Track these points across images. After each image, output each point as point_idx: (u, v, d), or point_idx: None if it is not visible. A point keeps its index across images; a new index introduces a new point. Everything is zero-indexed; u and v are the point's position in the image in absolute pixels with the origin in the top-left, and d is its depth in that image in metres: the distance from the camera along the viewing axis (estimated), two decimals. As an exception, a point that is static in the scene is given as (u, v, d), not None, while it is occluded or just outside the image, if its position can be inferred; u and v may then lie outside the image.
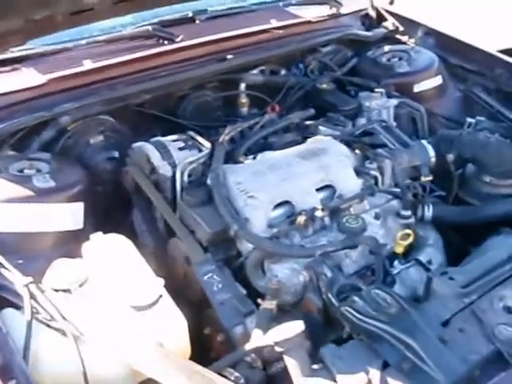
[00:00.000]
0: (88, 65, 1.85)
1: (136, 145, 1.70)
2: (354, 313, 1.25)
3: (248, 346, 1.24)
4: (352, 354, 1.19)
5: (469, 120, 2.01)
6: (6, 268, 1.30)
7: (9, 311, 1.23)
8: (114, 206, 1.76)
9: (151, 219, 1.67)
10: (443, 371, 1.13)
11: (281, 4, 2.36)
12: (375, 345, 1.19)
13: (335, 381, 1.14)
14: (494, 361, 1.18)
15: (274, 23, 2.21)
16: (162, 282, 1.28)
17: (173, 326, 1.23)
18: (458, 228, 1.75)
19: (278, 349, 1.18)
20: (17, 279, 1.28)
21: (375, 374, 1.13)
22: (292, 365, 1.18)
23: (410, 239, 1.53)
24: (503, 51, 2.25)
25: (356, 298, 1.30)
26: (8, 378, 1.03)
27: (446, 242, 1.67)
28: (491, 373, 1.15)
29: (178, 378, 1.10)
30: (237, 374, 1.18)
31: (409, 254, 1.59)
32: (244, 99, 2.07)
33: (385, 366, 1.16)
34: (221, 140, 1.69)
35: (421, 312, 1.25)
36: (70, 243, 1.48)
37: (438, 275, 1.37)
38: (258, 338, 1.23)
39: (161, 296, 1.26)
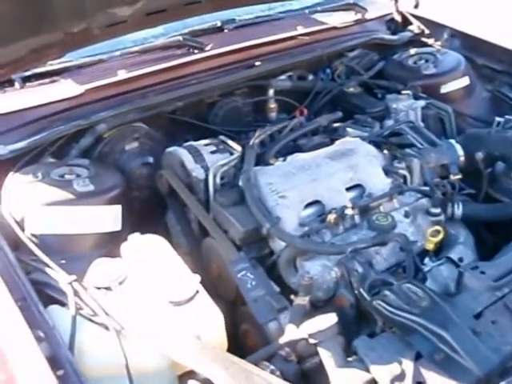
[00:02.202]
0: (122, 75, 1.92)
1: (169, 149, 1.76)
2: (386, 306, 1.27)
3: (283, 340, 1.28)
4: (385, 345, 1.21)
5: (497, 119, 2.01)
6: (50, 267, 1.37)
7: (54, 308, 1.29)
8: (148, 209, 1.82)
9: (185, 221, 1.72)
10: (476, 361, 1.14)
11: (307, 11, 2.41)
12: (408, 337, 1.22)
13: (369, 372, 1.17)
14: (526, 352, 1.19)
15: (301, 30, 2.26)
16: (198, 278, 1.33)
17: (210, 319, 1.27)
18: (489, 226, 1.77)
19: (312, 341, 1.21)
20: (61, 277, 1.34)
21: (408, 364, 1.16)
22: (326, 356, 1.21)
23: (441, 236, 1.55)
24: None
25: (387, 292, 1.32)
26: (57, 369, 1.08)
27: (477, 240, 1.69)
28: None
29: (215, 368, 1.14)
30: (272, 366, 1.22)
31: (440, 252, 1.61)
32: (273, 104, 2.12)
33: (417, 357, 1.18)
34: (251, 143, 1.73)
35: (453, 305, 1.27)
36: (108, 244, 1.54)
37: (469, 269, 1.39)
38: (293, 332, 1.27)
39: (198, 291, 1.30)
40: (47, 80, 1.94)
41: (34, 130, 1.73)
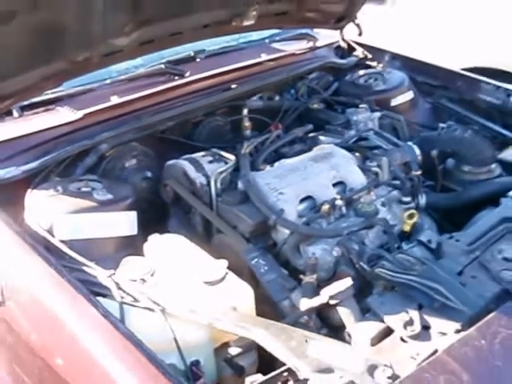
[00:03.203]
0: (115, 100, 2.10)
1: (170, 162, 1.95)
2: (387, 271, 1.52)
3: (304, 307, 1.49)
4: (392, 300, 1.45)
5: (441, 125, 2.34)
6: (88, 266, 1.51)
7: (99, 299, 1.43)
8: (148, 219, 1.98)
9: (189, 225, 1.90)
10: (467, 305, 1.40)
11: (267, 41, 2.69)
12: (409, 292, 1.46)
13: (383, 321, 1.39)
14: (502, 296, 1.46)
15: (264, 57, 2.54)
16: (225, 262, 1.52)
17: (241, 294, 1.46)
18: (446, 215, 2.06)
19: (332, 302, 1.43)
20: (100, 273, 1.49)
21: (414, 313, 1.39)
22: (345, 313, 1.43)
23: (415, 218, 1.82)
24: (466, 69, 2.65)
25: (385, 262, 1.57)
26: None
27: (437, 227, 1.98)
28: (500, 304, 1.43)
29: (257, 330, 1.33)
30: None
31: (410, 237, 1.88)
32: (247, 123, 2.35)
33: (420, 307, 1.43)
34: (243, 152, 1.96)
35: (439, 266, 1.54)
36: (128, 247, 1.70)
37: (446, 239, 1.67)
38: (313, 301, 1.48)
39: (227, 272, 1.49)
40: (42, 109, 2.08)
41: (41, 152, 1.87)
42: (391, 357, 1.28)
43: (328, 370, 1.23)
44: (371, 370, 1.23)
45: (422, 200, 1.98)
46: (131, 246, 1.71)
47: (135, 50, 2.03)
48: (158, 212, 1.98)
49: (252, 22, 2.29)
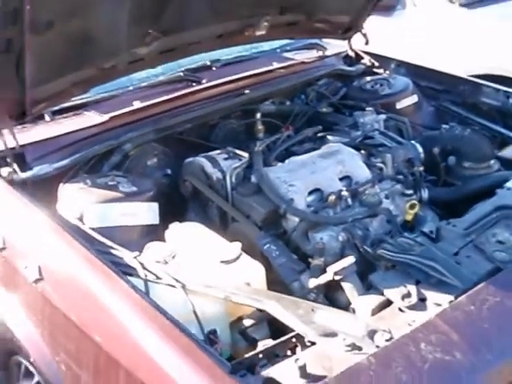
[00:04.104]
0: (138, 104, 2.28)
1: (189, 160, 2.11)
2: (389, 252, 1.66)
3: (311, 285, 1.63)
4: (392, 277, 1.59)
5: (444, 126, 2.48)
6: (115, 249, 1.66)
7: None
8: (168, 213, 2.13)
9: (206, 217, 2.05)
10: (461, 280, 1.53)
11: (278, 51, 2.86)
12: (408, 270, 1.60)
13: (383, 295, 1.53)
14: (493, 273, 1.57)
15: (276, 65, 2.70)
16: (239, 244, 1.67)
17: (254, 271, 1.61)
18: (447, 208, 2.19)
19: (337, 277, 1.57)
20: (126, 255, 1.64)
21: (412, 287, 1.53)
22: (348, 288, 1.57)
23: (416, 208, 1.95)
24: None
25: (386, 245, 1.71)
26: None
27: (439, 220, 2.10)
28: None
29: (268, 301, 1.47)
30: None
31: (414, 229, 2.01)
32: (260, 126, 2.50)
33: (417, 283, 1.56)
34: (256, 149, 2.11)
35: (437, 248, 1.67)
36: (150, 235, 1.84)
37: (444, 225, 1.80)
38: (320, 277, 1.62)
39: (241, 253, 1.64)
40: (71, 113, 2.27)
41: (71, 151, 2.04)
42: (389, 324, 1.41)
43: (332, 335, 1.37)
44: (371, 334, 1.36)
45: (425, 194, 2.11)
46: (153, 234, 1.86)
47: (155, 59, 2.21)
48: (177, 206, 2.13)
49: (263, 32, 2.47)
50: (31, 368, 1.79)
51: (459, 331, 1.31)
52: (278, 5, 2.42)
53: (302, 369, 1.26)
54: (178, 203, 2.14)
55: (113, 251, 1.66)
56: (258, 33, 2.45)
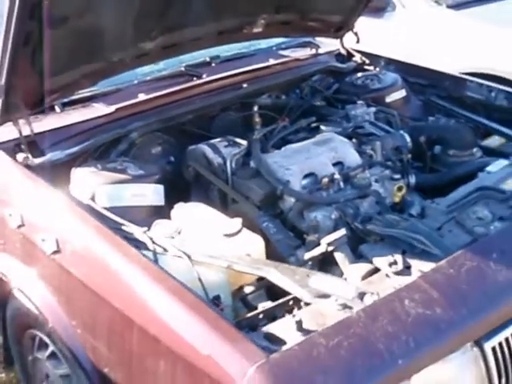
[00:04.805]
0: (142, 97, 2.42)
1: (192, 147, 2.25)
2: (378, 227, 1.80)
3: (307, 257, 1.77)
4: (381, 247, 1.74)
5: (430, 118, 2.65)
6: (125, 225, 1.80)
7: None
8: (172, 197, 2.27)
9: (207, 199, 2.19)
10: (442, 250, 1.68)
11: (274, 48, 3.02)
12: (395, 242, 1.74)
13: (372, 263, 1.68)
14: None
15: (272, 61, 2.86)
16: (240, 219, 1.81)
17: (254, 244, 1.76)
18: (433, 192, 2.34)
19: (330, 248, 1.71)
20: (136, 230, 1.78)
21: (398, 256, 1.67)
22: (340, 257, 1.71)
23: (404, 191, 2.10)
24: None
25: (375, 221, 1.86)
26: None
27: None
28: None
29: (268, 268, 1.61)
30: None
31: (402, 212, 2.15)
32: (257, 119, 2.65)
33: (403, 253, 1.71)
34: (254, 137, 2.26)
35: (422, 223, 1.82)
36: (156, 215, 1.97)
37: (429, 203, 1.96)
38: (315, 250, 1.76)
39: (242, 227, 1.79)
40: (80, 105, 2.40)
41: (81, 140, 2.18)
42: (377, 287, 1.56)
43: (326, 296, 1.51)
44: (361, 295, 1.50)
45: (412, 179, 2.26)
46: (159, 214, 1.99)
47: (159, 54, 2.35)
48: (180, 191, 2.27)
49: (260, 29, 2.62)
50: (46, 339, 1.93)
51: (439, 290, 1.45)
52: (273, 4, 2.58)
53: (299, 323, 1.41)
54: (180, 188, 2.28)
55: (123, 227, 1.80)
56: (255, 30, 2.61)
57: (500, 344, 1.45)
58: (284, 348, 1.33)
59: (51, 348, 1.93)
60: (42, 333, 1.94)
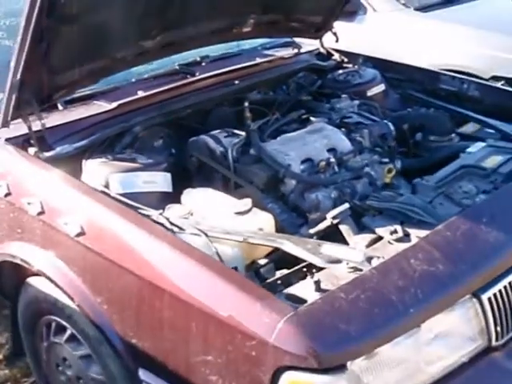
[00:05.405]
0: (141, 94, 2.54)
1: (193, 138, 2.38)
2: (376, 202, 1.97)
3: (312, 231, 1.92)
4: (381, 219, 1.90)
5: (409, 109, 2.84)
6: (142, 208, 1.91)
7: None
8: (174, 188, 2.38)
9: (211, 187, 2.32)
10: (436, 219, 1.85)
11: (259, 48, 3.18)
12: (393, 214, 1.91)
13: (375, 232, 1.83)
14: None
15: (259, 60, 3.02)
16: (250, 200, 1.95)
17: (265, 220, 1.89)
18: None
19: (335, 221, 1.86)
20: (152, 212, 1.89)
21: (398, 226, 1.83)
22: (345, 229, 1.87)
23: (394, 172, 2.28)
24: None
25: (372, 197, 2.03)
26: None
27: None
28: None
29: (282, 240, 1.75)
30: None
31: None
32: (248, 113, 2.79)
33: (401, 223, 1.87)
34: (252, 128, 2.41)
35: (416, 197, 2.00)
36: (165, 201, 2.09)
37: (419, 180, 2.13)
38: (320, 224, 1.91)
39: (253, 206, 1.92)
40: (81, 103, 2.50)
41: (87, 134, 2.28)
42: (382, 253, 1.71)
43: (337, 261, 1.66)
44: (369, 259, 1.65)
45: (398, 164, 2.43)
46: (167, 200, 2.10)
47: (158, 52, 2.48)
48: (182, 182, 2.39)
49: (249, 29, 2.78)
50: (64, 323, 2.02)
51: (440, 250, 1.62)
52: (261, 4, 2.74)
53: (317, 284, 1.55)
54: (182, 179, 2.40)
55: (139, 211, 1.91)
56: (245, 30, 2.76)
57: (495, 295, 1.63)
58: (308, 303, 1.47)
59: (69, 331, 2.02)
60: (59, 317, 2.03)
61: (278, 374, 1.40)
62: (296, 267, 1.72)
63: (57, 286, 1.89)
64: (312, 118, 2.63)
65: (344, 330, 1.40)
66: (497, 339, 1.63)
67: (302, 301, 1.53)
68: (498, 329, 1.63)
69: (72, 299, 1.84)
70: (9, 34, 2.57)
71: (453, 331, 1.58)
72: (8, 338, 2.84)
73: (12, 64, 1.95)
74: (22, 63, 1.92)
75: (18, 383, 2.68)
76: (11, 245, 2.06)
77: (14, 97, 2.01)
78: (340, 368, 1.39)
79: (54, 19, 1.90)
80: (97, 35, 2.15)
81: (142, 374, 1.73)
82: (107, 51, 2.25)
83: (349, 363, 1.40)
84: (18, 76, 1.95)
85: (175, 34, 2.47)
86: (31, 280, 2.09)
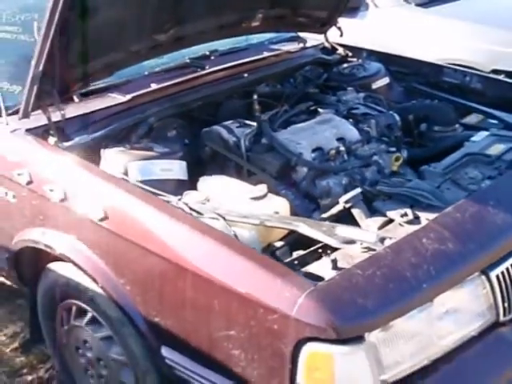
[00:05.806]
0: (154, 86, 2.61)
1: (206, 129, 2.46)
2: (386, 187, 2.05)
3: (325, 215, 1.99)
4: (392, 203, 1.98)
5: (413, 102, 2.93)
6: (161, 195, 1.99)
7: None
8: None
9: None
10: (443, 202, 1.93)
11: (266, 43, 3.25)
12: (403, 199, 1.99)
13: (386, 216, 1.91)
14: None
15: (266, 54, 3.09)
16: (265, 186, 2.02)
17: (281, 205, 1.97)
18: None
19: (347, 205, 1.94)
20: (172, 198, 1.97)
21: (408, 209, 1.91)
22: (357, 213, 1.94)
23: (401, 160, 2.36)
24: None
25: (382, 184, 2.10)
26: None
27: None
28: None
29: (296, 223, 1.83)
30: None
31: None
32: (257, 106, 2.87)
33: (411, 207, 1.95)
34: (263, 118, 2.48)
35: (424, 182, 2.08)
36: (182, 188, 2.17)
37: (426, 167, 2.21)
38: (333, 209, 1.99)
39: (268, 191, 2.00)
40: (95, 96, 2.57)
41: (104, 125, 2.35)
42: (394, 234, 1.79)
43: (352, 242, 1.74)
44: (381, 240, 1.73)
45: (404, 153, 2.51)
46: (183, 188, 2.17)
47: (170, 46, 2.55)
48: (195, 171, 2.47)
49: (258, 23, 2.86)
50: (85, 306, 2.09)
51: (450, 230, 1.71)
52: (269, -2, 2.82)
53: (334, 262, 1.63)
54: (195, 168, 2.48)
55: (159, 197, 1.99)
56: (253, 24, 2.84)
57: (502, 273, 1.71)
58: (326, 279, 1.55)
59: (90, 314, 2.09)
60: (80, 301, 2.10)
61: (299, 345, 1.48)
62: (311, 248, 1.79)
63: (80, 268, 1.96)
64: (320, 110, 2.71)
65: (361, 303, 1.48)
66: (504, 315, 1.72)
67: (320, 278, 1.60)
68: (506, 305, 1.71)
69: (95, 281, 1.91)
70: (24, 29, 2.65)
71: (463, 307, 1.66)
72: (23, 327, 2.93)
73: (34, 56, 2.02)
74: (45, 55, 1.99)
75: (34, 369, 2.75)
76: (33, 231, 2.13)
77: (35, 88, 2.08)
78: (358, 339, 1.47)
79: (75, 12, 1.97)
80: (113, 28, 2.23)
81: (165, 351, 1.81)
82: (123, 44, 2.32)
83: (366, 335, 1.48)
84: (41, 67, 2.02)
85: (187, 28, 2.54)
86: (52, 265, 2.17)
